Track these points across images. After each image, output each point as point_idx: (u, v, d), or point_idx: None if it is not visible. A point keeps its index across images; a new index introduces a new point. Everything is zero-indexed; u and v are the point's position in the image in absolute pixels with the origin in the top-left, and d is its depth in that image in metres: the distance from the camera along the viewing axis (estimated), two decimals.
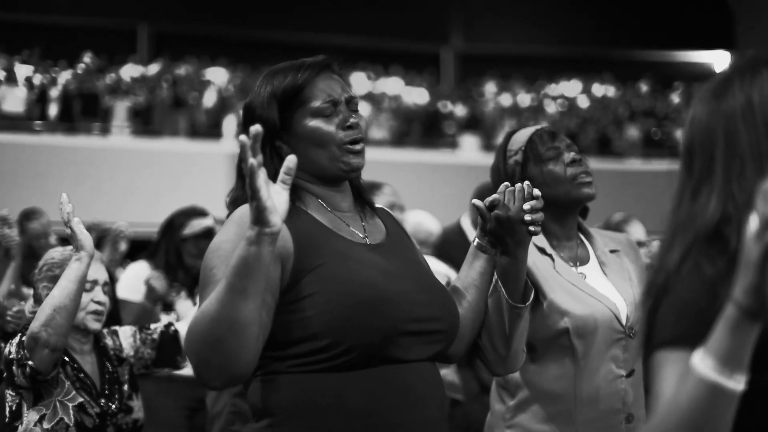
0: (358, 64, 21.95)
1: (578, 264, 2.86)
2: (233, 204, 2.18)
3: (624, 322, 2.75)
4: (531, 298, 2.35)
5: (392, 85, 21.58)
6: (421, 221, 6.24)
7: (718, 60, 25.73)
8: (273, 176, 1.87)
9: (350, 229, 2.22)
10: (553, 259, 2.80)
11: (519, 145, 2.87)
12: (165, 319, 4.72)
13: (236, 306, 1.82)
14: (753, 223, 1.25)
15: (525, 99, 22.11)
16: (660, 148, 20.96)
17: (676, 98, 23.00)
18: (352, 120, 2.22)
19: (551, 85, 23.36)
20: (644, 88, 23.48)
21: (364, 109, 19.69)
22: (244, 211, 2.00)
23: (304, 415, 2.02)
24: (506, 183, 2.32)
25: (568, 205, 2.84)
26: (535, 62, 24.36)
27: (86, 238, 3.18)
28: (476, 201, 2.32)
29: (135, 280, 5.02)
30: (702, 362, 1.30)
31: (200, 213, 5.24)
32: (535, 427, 2.73)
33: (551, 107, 21.98)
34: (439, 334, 2.16)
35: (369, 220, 2.31)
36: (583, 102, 22.57)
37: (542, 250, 2.81)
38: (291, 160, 1.83)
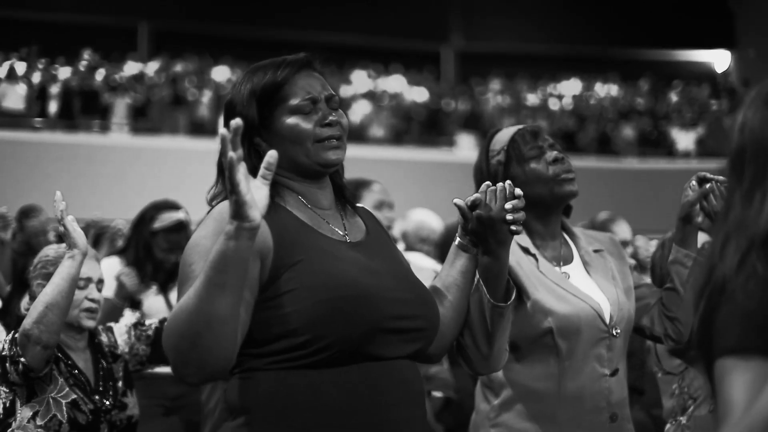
0: (358, 63, 21.96)
1: (562, 263, 2.86)
2: (213, 200, 2.18)
3: (607, 322, 2.75)
4: (513, 298, 2.33)
5: (393, 84, 21.58)
6: (424, 219, 6.21)
7: (718, 59, 25.73)
8: (252, 173, 1.87)
9: (330, 226, 2.21)
10: (536, 259, 2.80)
11: (501, 145, 2.87)
12: (130, 315, 4.72)
13: (214, 301, 1.81)
14: None
15: (524, 97, 22.10)
16: (657, 147, 20.95)
17: (675, 97, 22.99)
18: (331, 118, 2.21)
19: (551, 84, 23.36)
20: (644, 86, 23.47)
21: (365, 107, 19.70)
22: (224, 207, 1.99)
23: (282, 412, 2.01)
24: (488, 182, 2.30)
25: (552, 203, 2.85)
26: (535, 61, 24.37)
27: (80, 236, 3.18)
28: (457, 200, 2.31)
29: (105, 276, 4.97)
30: None
31: (171, 206, 5.15)
32: (519, 425, 2.73)
33: (551, 105, 21.97)
34: (419, 332, 2.15)
35: (349, 219, 2.30)
36: (584, 101, 22.56)
37: (526, 250, 2.81)
38: (272, 155, 1.82)
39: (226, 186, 1.79)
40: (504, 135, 2.90)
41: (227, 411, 2.13)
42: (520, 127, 2.93)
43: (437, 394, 5.13)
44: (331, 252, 2.11)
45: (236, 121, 1.75)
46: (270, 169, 1.83)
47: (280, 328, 2.01)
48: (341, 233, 2.22)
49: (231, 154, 1.74)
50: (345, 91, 20.58)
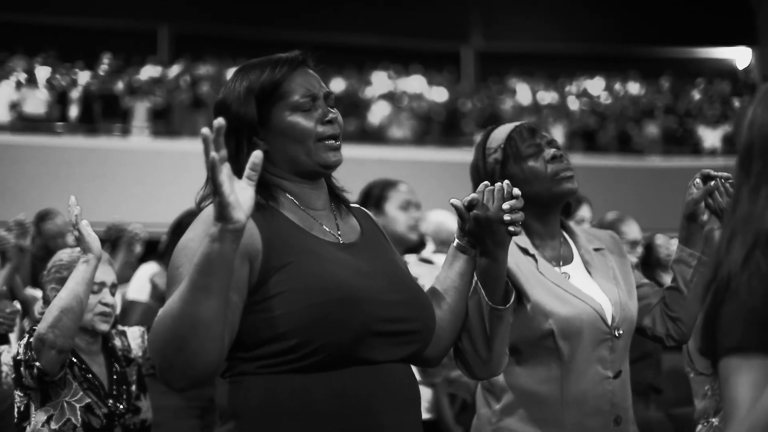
0: (378, 63, 21.95)
1: (561, 263, 2.80)
2: (202, 203, 2.15)
3: (609, 323, 2.70)
4: (512, 300, 2.29)
5: (412, 84, 21.55)
6: (443, 221, 6.17)
7: (740, 56, 25.59)
8: None
9: (323, 227, 2.17)
10: (536, 260, 2.74)
11: (498, 143, 2.81)
12: None
13: (199, 304, 1.78)
14: None
15: (545, 97, 22.04)
16: (681, 144, 20.83)
17: (697, 95, 22.86)
18: (331, 115, 2.17)
19: (572, 83, 23.28)
20: (665, 84, 23.36)
21: (384, 108, 19.69)
22: (212, 209, 1.92)
23: (271, 417, 1.98)
24: (486, 182, 2.26)
25: (550, 202, 2.78)
26: (555, 60, 24.30)
27: (94, 240, 3.20)
28: (454, 200, 2.27)
29: (144, 281, 5.02)
30: None
31: None
32: (521, 430, 2.67)
33: (572, 105, 21.90)
34: (413, 335, 2.11)
35: (343, 219, 2.26)
36: (604, 99, 22.47)
37: (525, 251, 2.75)
38: (257, 156, 1.78)
39: (209, 187, 1.76)
40: (501, 132, 2.84)
41: (218, 415, 2.10)
42: (517, 124, 2.86)
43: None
44: (321, 254, 2.07)
45: (218, 121, 1.72)
46: (255, 170, 1.79)
47: (269, 332, 1.98)
48: (334, 235, 2.18)
49: (213, 154, 1.71)
50: (365, 92, 20.59)
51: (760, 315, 1.42)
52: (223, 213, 1.75)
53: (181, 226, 5.13)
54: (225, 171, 1.73)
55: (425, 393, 4.60)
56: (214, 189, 1.74)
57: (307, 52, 2.26)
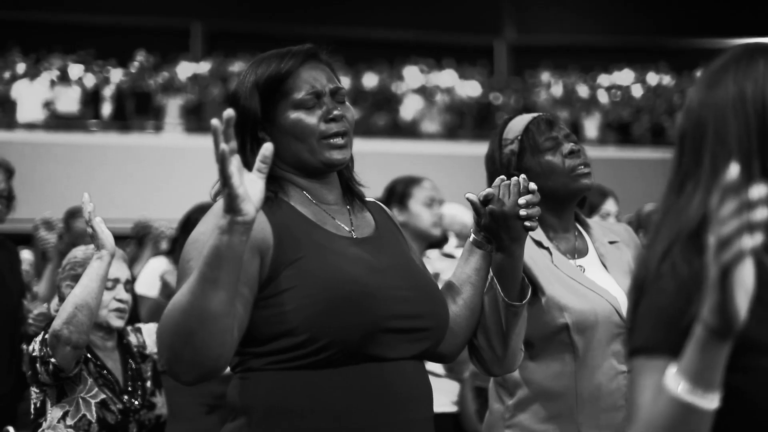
0: (410, 58, 21.91)
1: (576, 256, 2.74)
2: (217, 196, 2.11)
3: (625, 316, 2.64)
4: (528, 296, 2.27)
5: (445, 78, 21.48)
6: (456, 213, 6.13)
7: None
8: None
9: (336, 222, 2.14)
10: (550, 253, 2.68)
11: (515, 134, 2.73)
12: None
13: (207, 297, 1.75)
14: (711, 242, 1.21)
15: (578, 89, 21.91)
16: None
17: None
18: (335, 113, 2.12)
19: (605, 75, 23.12)
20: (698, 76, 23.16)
21: (417, 102, 19.65)
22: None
23: (281, 414, 1.96)
24: (502, 177, 2.23)
25: (566, 196, 2.72)
26: (589, 52, 24.14)
27: (107, 237, 3.21)
28: (470, 195, 2.24)
29: (153, 276, 5.01)
30: (674, 382, 1.27)
31: None
32: (535, 426, 2.62)
33: (605, 97, 21.76)
34: (425, 332, 2.08)
35: (357, 214, 2.22)
36: (637, 91, 22.30)
37: (539, 244, 2.69)
38: (267, 148, 1.76)
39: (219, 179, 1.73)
40: (518, 123, 2.76)
41: (228, 411, 2.09)
42: (535, 115, 2.78)
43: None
44: (333, 249, 2.05)
45: (228, 112, 1.69)
46: (265, 162, 1.77)
47: (280, 327, 1.96)
48: (347, 229, 2.15)
49: (222, 145, 1.69)
50: (397, 86, 20.57)
51: (667, 315, 1.37)
52: (232, 205, 1.72)
53: (189, 221, 5.08)
54: (235, 162, 1.71)
55: (452, 386, 4.59)
56: (222, 181, 1.71)
57: (320, 45, 2.22)
